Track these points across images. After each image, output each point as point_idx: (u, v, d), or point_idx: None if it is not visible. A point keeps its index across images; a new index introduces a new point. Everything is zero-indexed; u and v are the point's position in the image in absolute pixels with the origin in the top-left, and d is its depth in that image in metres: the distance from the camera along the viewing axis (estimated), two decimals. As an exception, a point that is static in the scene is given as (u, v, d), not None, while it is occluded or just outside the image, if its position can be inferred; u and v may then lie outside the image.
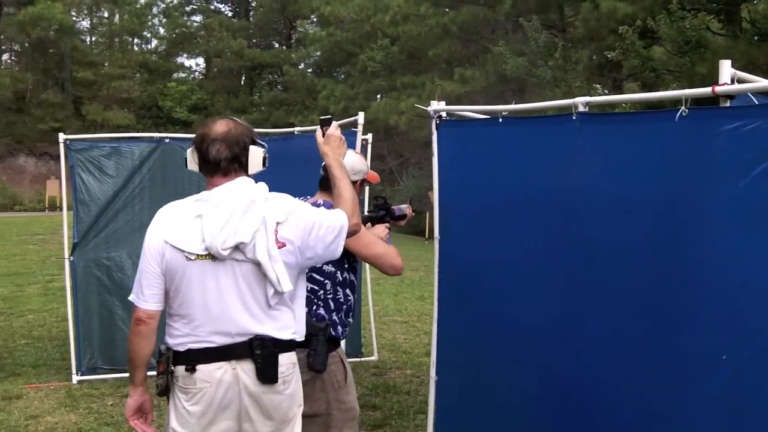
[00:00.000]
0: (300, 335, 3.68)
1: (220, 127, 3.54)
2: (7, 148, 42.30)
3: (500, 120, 4.65)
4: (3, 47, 48.76)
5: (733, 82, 3.45)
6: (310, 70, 45.91)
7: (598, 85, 19.19)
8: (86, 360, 8.38)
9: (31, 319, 11.58)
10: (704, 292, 3.42)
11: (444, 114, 5.20)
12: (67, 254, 8.41)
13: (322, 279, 4.33)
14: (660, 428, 3.63)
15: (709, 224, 3.40)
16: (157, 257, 3.48)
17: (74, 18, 47.27)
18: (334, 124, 3.99)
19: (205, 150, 3.51)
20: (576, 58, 21.73)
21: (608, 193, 3.90)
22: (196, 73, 54.20)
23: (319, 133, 3.97)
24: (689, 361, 3.47)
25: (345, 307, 4.44)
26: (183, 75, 52.85)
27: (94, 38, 51.20)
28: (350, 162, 4.52)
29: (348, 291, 4.45)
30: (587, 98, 4.04)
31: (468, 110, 5.26)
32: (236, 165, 3.53)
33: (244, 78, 50.69)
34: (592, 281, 3.99)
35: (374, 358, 9.43)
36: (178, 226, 3.48)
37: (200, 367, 3.45)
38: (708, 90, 3.41)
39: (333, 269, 4.34)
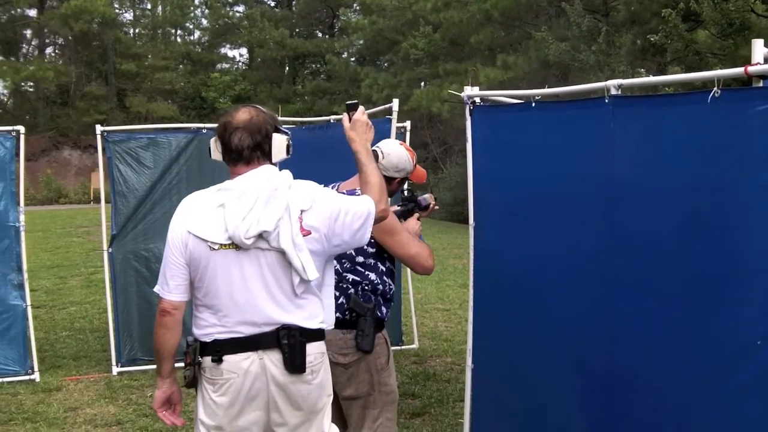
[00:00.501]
0: (329, 324, 3.66)
1: (242, 115, 3.53)
2: (52, 141, 42.79)
3: (533, 105, 4.57)
4: (47, 41, 49.27)
5: (766, 61, 3.34)
6: (353, 59, 45.86)
7: (642, 70, 18.93)
8: (126, 351, 8.48)
9: (73, 311, 11.72)
10: (740, 279, 3.33)
11: (478, 100, 5.13)
12: (105, 246, 8.48)
13: (365, 271, 4.32)
14: (696, 419, 3.54)
15: (743, 209, 3.31)
16: (180, 247, 3.47)
17: (117, 10, 47.61)
18: (361, 108, 3.94)
19: (227, 139, 3.50)
20: (619, 43, 21.45)
21: (642, 180, 3.81)
22: (240, 64, 54.48)
23: (345, 118, 3.93)
24: (723, 350, 3.38)
25: (388, 294, 4.44)
26: (226, 66, 53.14)
27: (137, 30, 51.52)
28: (396, 157, 4.52)
29: (388, 279, 4.44)
30: (620, 81, 3.95)
31: (502, 95, 5.20)
32: (259, 153, 3.51)
33: (287, 68, 50.76)
34: (626, 271, 3.90)
35: (415, 346, 9.42)
36: (200, 216, 3.47)
37: (227, 358, 3.44)
38: (740, 70, 3.31)
39: (373, 261, 4.33)
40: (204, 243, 3.42)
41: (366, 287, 4.31)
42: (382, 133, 6.39)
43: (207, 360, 3.47)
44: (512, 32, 29.25)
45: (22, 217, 7.91)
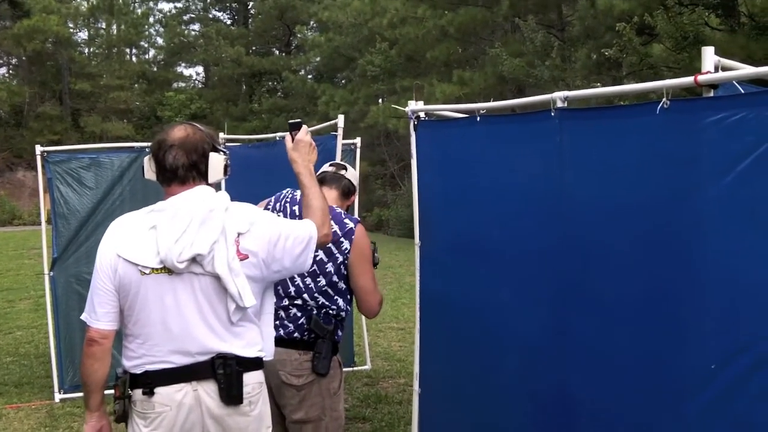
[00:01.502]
0: (268, 354, 3.48)
1: (178, 132, 3.34)
2: (6, 162, 42.12)
3: (478, 119, 4.41)
4: (0, 61, 48.66)
5: (717, 70, 3.20)
6: (310, 76, 45.64)
7: (598, 84, 18.95)
8: (69, 377, 8.17)
9: (19, 335, 11.38)
10: (693, 299, 3.16)
11: (422, 114, 4.97)
12: (47, 269, 8.20)
13: (334, 295, 4.19)
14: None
15: (696, 225, 3.14)
16: (109, 273, 3.26)
17: (71, 29, 47.06)
18: (304, 128, 3.76)
19: (161, 157, 3.31)
20: (574, 57, 21.53)
21: (591, 195, 3.64)
22: (196, 82, 54.16)
23: (288, 138, 3.75)
24: (678, 375, 3.21)
25: (345, 319, 4.35)
26: (182, 84, 52.72)
27: (91, 49, 51.00)
28: (351, 169, 4.58)
29: (349, 306, 4.34)
30: (566, 93, 3.79)
31: (447, 109, 5.03)
32: (194, 173, 3.33)
33: (243, 86, 50.50)
34: (577, 290, 3.73)
35: (367, 367, 9.22)
36: (131, 239, 3.27)
37: (159, 390, 3.24)
38: (690, 79, 3.17)
39: (345, 287, 4.22)
40: (134, 267, 3.23)
41: (331, 311, 4.18)
42: (328, 150, 6.23)
43: (137, 393, 3.27)
44: (469, 48, 29.29)
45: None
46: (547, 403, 3.93)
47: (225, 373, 3.25)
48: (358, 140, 8.82)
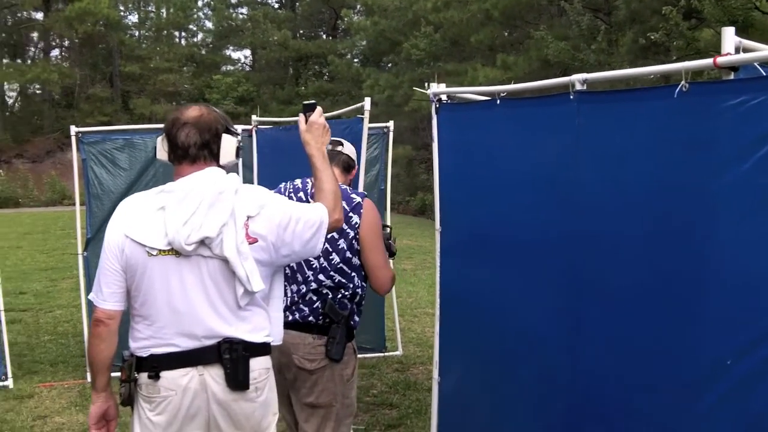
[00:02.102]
0: (276, 338, 3.43)
1: (192, 112, 3.31)
2: (57, 142, 42.72)
3: (498, 102, 4.30)
4: (52, 43, 49.25)
5: (737, 51, 3.07)
6: (355, 60, 45.61)
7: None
8: (102, 357, 8.17)
9: (59, 314, 11.51)
10: (707, 290, 3.04)
11: (444, 97, 4.88)
12: (80, 249, 8.25)
13: (351, 272, 4.14)
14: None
15: (711, 214, 3.02)
16: (116, 252, 3.23)
17: (121, 12, 47.58)
18: (318, 110, 3.69)
19: (174, 134, 3.27)
20: (621, 42, 21.20)
21: (608, 181, 3.52)
22: (243, 65, 54.34)
23: (302, 119, 3.68)
24: (691, 367, 3.10)
25: (362, 303, 4.29)
26: (231, 68, 52.95)
27: (141, 32, 51.48)
28: (348, 144, 4.51)
29: (366, 284, 4.27)
30: (585, 75, 3.67)
31: (469, 92, 4.92)
32: (206, 152, 3.29)
33: (290, 69, 50.57)
34: (590, 279, 3.63)
35: (399, 353, 9.13)
36: (139, 219, 3.23)
37: (164, 374, 3.20)
38: (709, 62, 3.05)
39: (359, 263, 4.16)
40: (142, 248, 3.19)
41: (346, 293, 4.13)
42: (355, 133, 6.17)
43: (143, 376, 3.24)
44: (513, 32, 29.01)
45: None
46: (559, 390, 3.84)
47: (231, 358, 3.20)
48: (390, 123, 8.71)
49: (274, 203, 3.34)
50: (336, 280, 4.10)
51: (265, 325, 3.34)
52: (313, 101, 3.77)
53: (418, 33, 30.92)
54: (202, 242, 3.14)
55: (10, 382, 7.81)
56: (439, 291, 4.98)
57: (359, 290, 4.20)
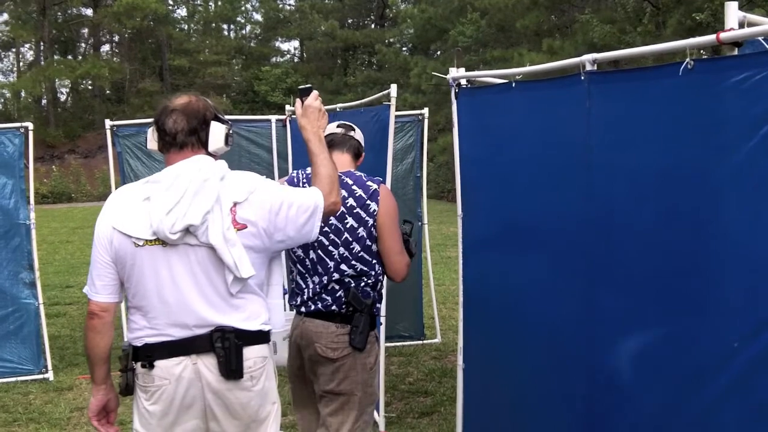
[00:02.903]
0: (275, 326, 3.41)
1: (180, 99, 3.31)
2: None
3: (513, 85, 4.26)
4: (102, 39, 49.89)
5: (742, 27, 3.01)
6: (404, 49, 45.55)
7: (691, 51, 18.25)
8: (141, 349, 8.27)
9: (105, 307, 11.57)
10: (716, 275, 2.98)
11: (464, 81, 4.84)
12: (116, 242, 8.32)
13: (372, 260, 4.13)
14: (676, 422, 3.22)
15: (718, 197, 2.96)
16: (105, 245, 3.24)
17: (169, 6, 48.02)
18: (314, 93, 3.66)
19: (162, 122, 3.26)
20: (668, 23, 20.89)
21: (618, 165, 3.45)
22: (293, 57, 54.51)
23: (298, 104, 3.66)
24: (701, 352, 3.05)
25: (381, 284, 4.28)
26: (279, 59, 53.18)
27: (189, 26, 51.90)
28: (359, 131, 4.42)
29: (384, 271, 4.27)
30: (595, 55, 3.62)
31: (489, 75, 4.89)
32: (194, 139, 3.27)
33: (338, 59, 50.66)
34: (606, 266, 3.57)
35: (437, 340, 9.11)
36: (125, 211, 3.23)
37: (158, 363, 3.21)
38: (712, 38, 2.98)
39: (377, 250, 4.14)
40: (128, 239, 3.18)
41: (369, 281, 4.12)
42: (382, 121, 6.15)
43: (139, 366, 3.24)
44: (559, 16, 28.74)
45: (32, 215, 7.81)
46: (574, 377, 3.81)
47: (223, 346, 3.18)
48: (425, 111, 8.66)
49: (265, 188, 3.29)
50: (358, 269, 4.08)
51: (260, 312, 3.31)
52: (308, 85, 3.74)
53: (464, 20, 30.82)
54: (188, 231, 3.13)
55: (50, 375, 7.93)
56: (461, 277, 4.95)
57: (381, 277, 4.19)
